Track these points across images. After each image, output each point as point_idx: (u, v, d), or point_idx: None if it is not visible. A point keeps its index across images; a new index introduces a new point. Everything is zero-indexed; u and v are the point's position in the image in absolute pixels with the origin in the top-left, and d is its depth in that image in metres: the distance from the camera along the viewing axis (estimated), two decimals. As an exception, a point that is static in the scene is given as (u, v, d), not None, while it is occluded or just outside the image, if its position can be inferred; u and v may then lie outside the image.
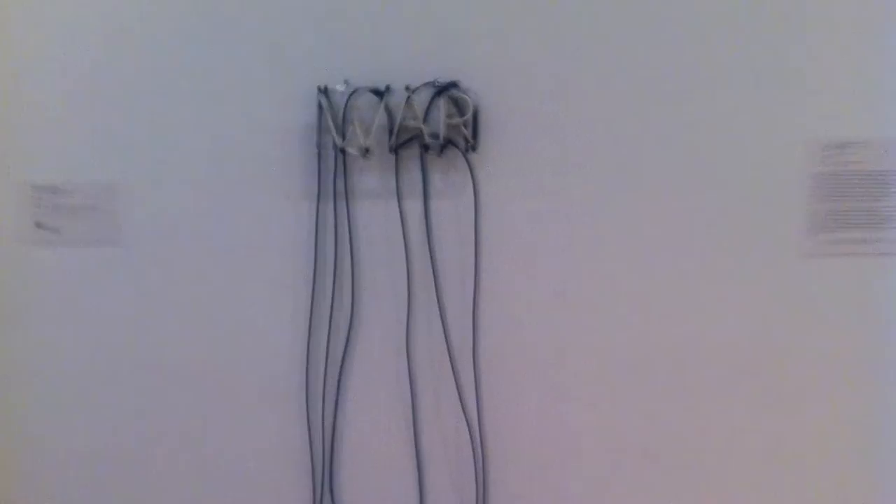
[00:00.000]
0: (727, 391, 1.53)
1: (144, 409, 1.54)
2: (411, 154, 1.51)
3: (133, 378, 1.53)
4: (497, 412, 1.54)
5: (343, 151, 1.50)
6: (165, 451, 1.54)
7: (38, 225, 1.51)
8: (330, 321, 1.53)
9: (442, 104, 1.47)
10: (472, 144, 1.49)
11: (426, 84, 1.49)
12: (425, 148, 1.50)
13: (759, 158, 1.48)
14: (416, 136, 1.50)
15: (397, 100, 1.49)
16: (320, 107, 1.49)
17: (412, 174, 1.52)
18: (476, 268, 1.52)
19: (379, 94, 1.50)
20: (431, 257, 1.52)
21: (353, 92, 1.50)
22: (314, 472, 1.55)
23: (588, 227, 1.51)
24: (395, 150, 1.50)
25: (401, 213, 1.52)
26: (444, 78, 1.50)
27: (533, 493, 1.56)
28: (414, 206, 1.52)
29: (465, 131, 1.48)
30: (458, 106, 1.49)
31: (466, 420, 1.54)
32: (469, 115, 1.47)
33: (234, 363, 1.53)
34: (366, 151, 1.50)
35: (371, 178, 1.51)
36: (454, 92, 1.49)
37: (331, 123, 1.48)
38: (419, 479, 1.56)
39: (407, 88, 1.48)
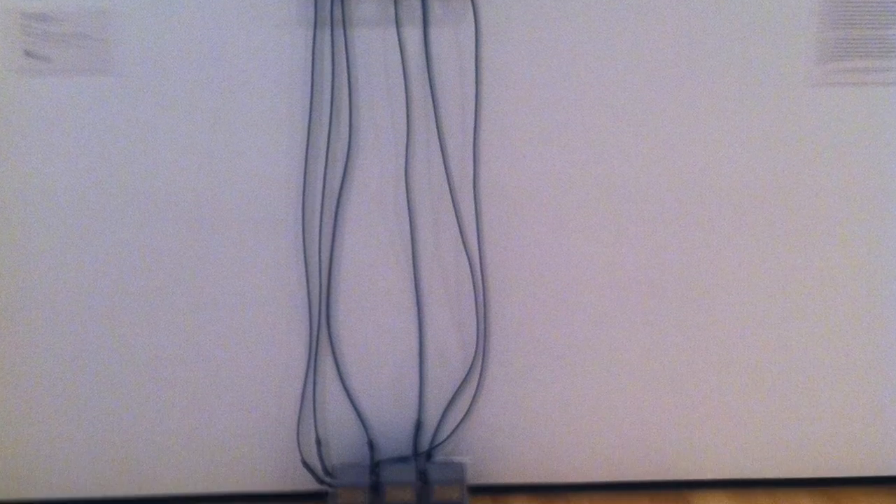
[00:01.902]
0: (733, 224, 1.50)
1: (136, 242, 1.50)
2: (410, -19, 1.48)
3: (125, 210, 1.49)
4: (498, 245, 1.51)
5: (340, -22, 1.46)
6: (158, 284, 1.51)
7: (28, 54, 1.47)
8: (327, 153, 1.49)
9: (442, -71, 1.43)
10: (472, -29, 1.45)
11: None
12: (425, -25, 1.47)
13: (768, -15, 1.44)
14: (416, -37, 1.46)
15: (396, -75, 1.45)
16: (316, -67, 1.45)
17: (411, 1, 1.47)
18: (477, 97, 1.48)
19: (377, -82, 1.46)
20: (431, 87, 1.48)
21: (351, -83, 1.46)
22: (311, 306, 1.52)
23: (592, 56, 1.47)
24: (394, -24, 1.46)
25: (399, 41, 1.48)
26: None
27: (534, 327, 1.53)
28: (413, 34, 1.48)
29: (465, -43, 1.44)
30: (459, -69, 1.45)
31: (467, 253, 1.51)
32: (469, -59, 1.43)
33: (228, 195, 1.49)
34: (363, -22, 1.46)
35: (369, 5, 1.47)
36: (454, -84, 1.45)
37: (327, -51, 1.44)
38: (418, 313, 1.53)
39: (406, -87, 1.44)
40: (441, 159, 1.49)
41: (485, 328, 1.53)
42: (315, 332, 1.52)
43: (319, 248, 1.51)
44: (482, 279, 1.52)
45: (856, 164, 1.48)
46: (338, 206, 1.50)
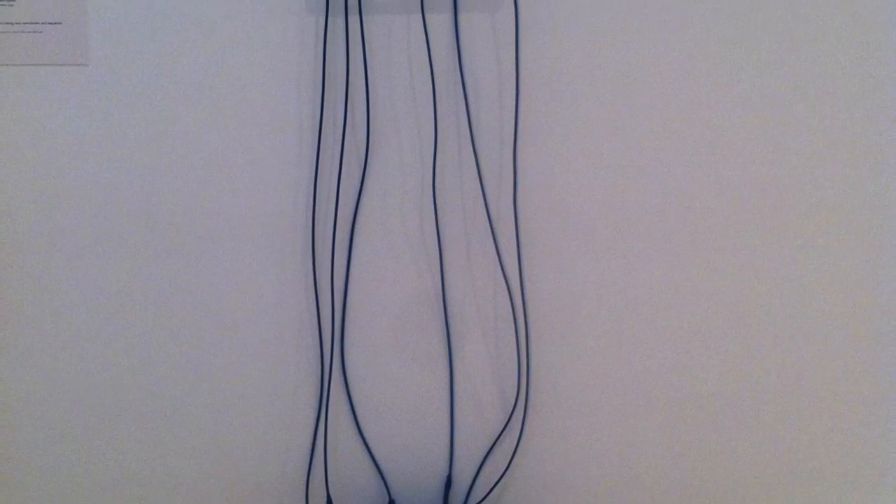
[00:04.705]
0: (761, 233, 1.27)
1: (126, 258, 1.28)
2: (438, -41, 1.25)
3: (105, 227, 1.28)
4: (541, 272, 1.28)
5: (356, -43, 1.24)
6: (150, 315, 1.29)
7: (-8, 47, 1.26)
8: (341, 160, 1.27)
9: None
10: (512, -53, 1.23)
11: None
12: (455, -49, 1.24)
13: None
14: (445, -63, 1.23)
15: None
16: None
17: (439, -18, 1.25)
18: (517, 97, 1.25)
19: None
20: (462, 83, 1.26)
21: None
22: (322, 351, 1.30)
23: (654, 43, 1.24)
24: (419, -46, 1.24)
25: (426, 30, 1.25)
26: None
27: (582, 364, 1.30)
28: (441, 22, 1.25)
29: (503, -70, 1.22)
30: None
31: (506, 282, 1.28)
32: (508, -89, 1.21)
33: (225, 209, 1.27)
34: (383, -43, 1.24)
35: (390, -11, 1.25)
36: None
37: (341, -77, 1.22)
38: (449, 350, 1.30)
39: None
40: (475, 169, 1.26)
41: (527, 366, 1.29)
42: (327, 375, 1.30)
43: (332, 275, 1.28)
44: (524, 311, 1.28)
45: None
46: (354, 224, 1.27)
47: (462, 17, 1.25)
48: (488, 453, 1.31)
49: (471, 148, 1.26)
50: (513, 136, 1.26)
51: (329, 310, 1.29)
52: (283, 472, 1.32)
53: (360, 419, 1.31)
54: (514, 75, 1.25)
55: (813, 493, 1.28)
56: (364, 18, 1.25)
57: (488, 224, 1.27)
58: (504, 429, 1.31)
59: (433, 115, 1.26)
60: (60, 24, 1.26)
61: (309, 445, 1.32)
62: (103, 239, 1.28)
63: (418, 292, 1.29)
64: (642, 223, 1.27)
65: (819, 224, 1.26)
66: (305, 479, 1.32)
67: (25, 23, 1.26)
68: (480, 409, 1.30)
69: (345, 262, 1.28)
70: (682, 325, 1.28)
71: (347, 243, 1.28)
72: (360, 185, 1.27)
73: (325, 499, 1.32)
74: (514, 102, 1.26)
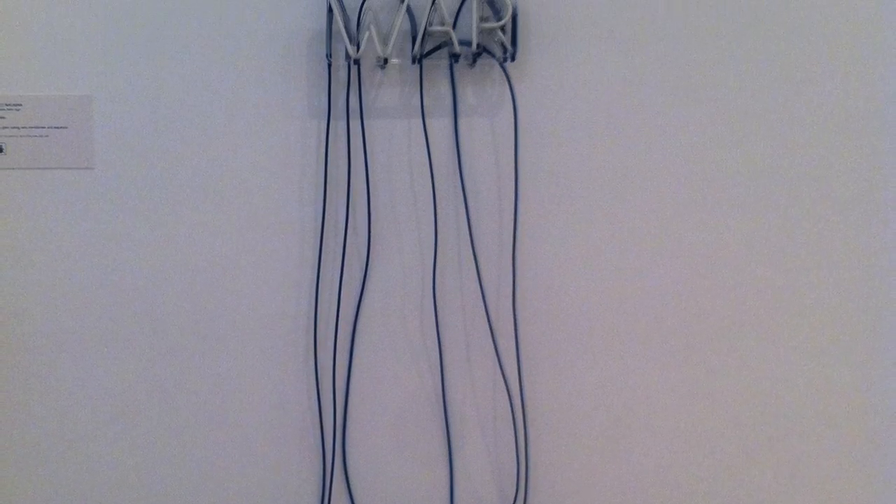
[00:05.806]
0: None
1: (127, 359, 1.30)
2: (438, 65, 1.27)
3: (119, 321, 1.30)
4: (541, 374, 1.30)
5: (357, 62, 1.26)
6: (154, 414, 1.31)
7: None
8: (342, 261, 1.28)
9: (474, 5, 1.22)
10: (510, 53, 1.24)
11: (456, -19, 1.25)
12: (455, 58, 1.26)
13: None
14: (445, 44, 1.25)
15: (421, 1, 1.24)
16: (330, 10, 1.24)
17: (439, 89, 1.27)
18: (516, 201, 1.27)
19: (400, -7, 1.25)
20: (462, 186, 1.28)
21: (370, -9, 1.26)
22: (324, 450, 1.31)
23: (651, 148, 1.26)
24: (420, 60, 1.25)
25: (426, 134, 1.27)
26: (478, -27, 1.25)
27: (583, 466, 1.32)
28: (442, 126, 1.28)
29: (502, 37, 1.24)
30: (495, 7, 1.24)
31: (505, 382, 1.30)
32: (507, 18, 1.22)
33: (229, 310, 1.29)
34: (384, 62, 1.26)
35: (391, 94, 1.27)
36: (489, -10, 1.24)
37: (342, 29, 1.23)
38: (448, 446, 1.32)
39: (433, -14, 1.24)
40: (475, 269, 1.28)
41: (526, 465, 1.31)
42: (329, 473, 1.31)
43: (333, 375, 1.30)
44: (523, 411, 1.30)
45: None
46: (355, 324, 1.29)
47: (462, 121, 1.27)
48: (488, 551, 1.33)
49: (470, 250, 1.28)
50: (512, 239, 1.28)
51: (331, 409, 1.31)
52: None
53: (361, 517, 1.33)
54: (514, 178, 1.28)
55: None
56: (365, 123, 1.28)
57: (488, 325, 1.29)
58: (503, 528, 1.33)
59: (433, 218, 1.28)
60: (66, 128, 1.28)
61: (311, 543, 1.34)
62: (108, 339, 1.30)
63: (419, 392, 1.30)
64: (639, 325, 1.29)
65: (814, 326, 1.28)
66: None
67: (32, 127, 1.28)
68: (480, 507, 1.33)
69: (346, 363, 1.30)
70: (679, 426, 1.30)
71: (349, 344, 1.30)
72: (361, 286, 1.29)
73: None
74: (513, 205, 1.28)
